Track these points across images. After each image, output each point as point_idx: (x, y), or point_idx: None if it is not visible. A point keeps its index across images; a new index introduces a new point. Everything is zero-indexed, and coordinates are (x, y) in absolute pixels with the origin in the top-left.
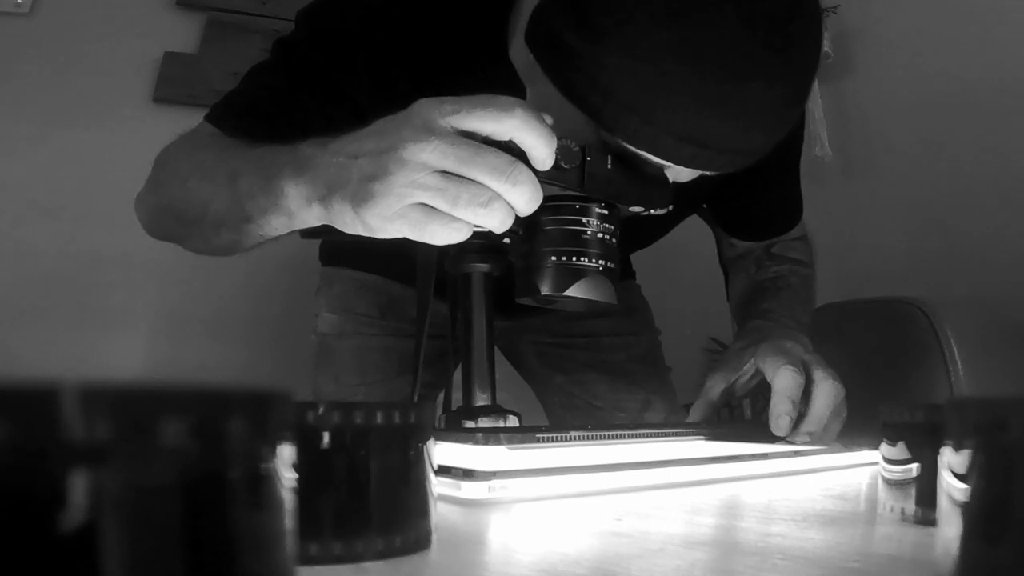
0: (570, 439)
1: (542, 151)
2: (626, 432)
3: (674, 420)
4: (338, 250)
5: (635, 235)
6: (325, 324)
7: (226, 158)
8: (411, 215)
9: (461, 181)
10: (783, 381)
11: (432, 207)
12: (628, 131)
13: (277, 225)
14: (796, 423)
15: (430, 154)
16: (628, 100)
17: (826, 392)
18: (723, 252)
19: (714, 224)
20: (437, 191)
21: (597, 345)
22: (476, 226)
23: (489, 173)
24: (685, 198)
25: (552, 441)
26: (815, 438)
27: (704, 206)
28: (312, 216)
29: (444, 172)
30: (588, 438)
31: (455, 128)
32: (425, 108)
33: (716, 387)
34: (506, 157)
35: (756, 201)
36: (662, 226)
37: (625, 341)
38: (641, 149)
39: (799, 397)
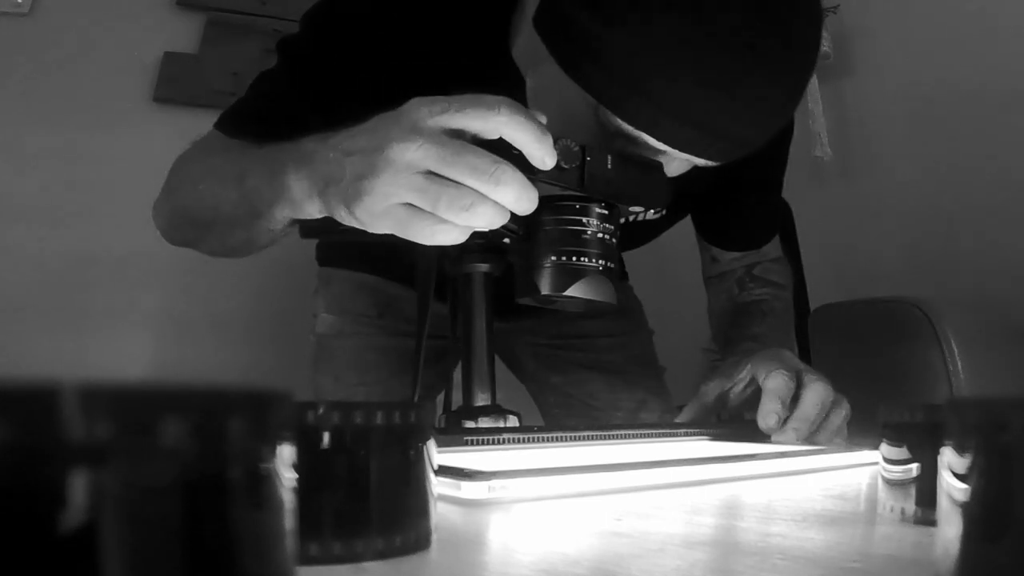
0: (569, 439)
1: (533, 147)
2: (626, 432)
3: (669, 419)
4: (335, 250)
5: (627, 236)
6: (323, 325)
7: (234, 160)
8: (397, 213)
9: (444, 182)
10: (773, 382)
11: (418, 207)
12: (629, 111)
13: (283, 216)
14: (785, 422)
15: (414, 154)
16: (632, 79)
17: (815, 391)
18: (706, 268)
19: (698, 235)
20: (419, 192)
21: (593, 346)
22: (469, 228)
23: (470, 173)
24: (676, 201)
25: (552, 441)
26: (800, 435)
27: (690, 218)
28: (314, 207)
29: (431, 173)
30: (588, 438)
31: (443, 128)
32: (415, 107)
33: (711, 392)
34: (489, 157)
35: (738, 211)
36: (654, 229)
37: (620, 341)
38: (640, 130)
39: (788, 398)
